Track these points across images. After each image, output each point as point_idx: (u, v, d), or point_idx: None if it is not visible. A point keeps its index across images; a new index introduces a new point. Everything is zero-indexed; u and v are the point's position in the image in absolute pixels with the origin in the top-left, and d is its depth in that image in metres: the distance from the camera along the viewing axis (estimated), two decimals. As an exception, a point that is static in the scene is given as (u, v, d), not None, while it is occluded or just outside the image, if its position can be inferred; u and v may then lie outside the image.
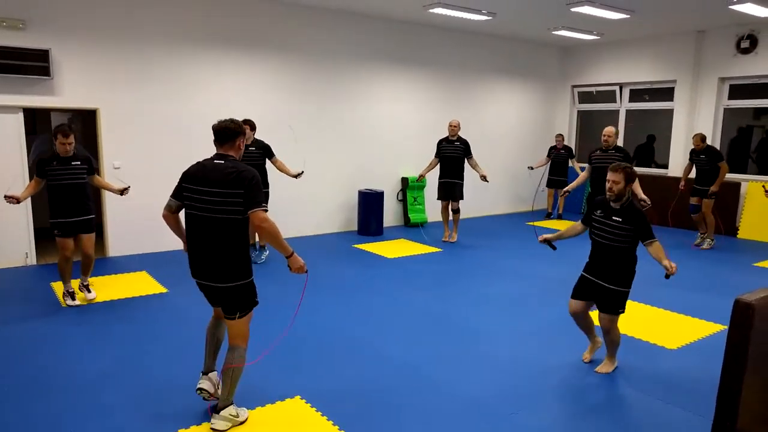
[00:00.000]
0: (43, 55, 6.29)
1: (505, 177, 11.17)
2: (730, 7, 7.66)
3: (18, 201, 4.94)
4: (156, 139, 7.28)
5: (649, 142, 11.03)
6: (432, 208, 9.87)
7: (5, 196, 4.90)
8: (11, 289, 5.82)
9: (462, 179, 8.20)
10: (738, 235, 9.12)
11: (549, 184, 10.75)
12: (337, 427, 3.26)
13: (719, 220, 8.71)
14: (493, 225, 10.05)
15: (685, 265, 7.29)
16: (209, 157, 3.21)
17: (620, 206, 3.82)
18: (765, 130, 9.79)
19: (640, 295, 5.83)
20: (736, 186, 9.16)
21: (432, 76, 9.89)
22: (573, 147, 11.65)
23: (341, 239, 8.54)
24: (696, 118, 9.76)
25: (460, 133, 8.22)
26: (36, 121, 8.18)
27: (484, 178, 8.08)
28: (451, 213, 8.32)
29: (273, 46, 8.07)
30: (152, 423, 3.27)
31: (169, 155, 7.37)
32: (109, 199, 6.93)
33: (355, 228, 9.15)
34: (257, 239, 6.72)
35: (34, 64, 6.26)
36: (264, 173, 7.01)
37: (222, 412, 3.18)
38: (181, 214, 3.35)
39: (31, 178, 6.22)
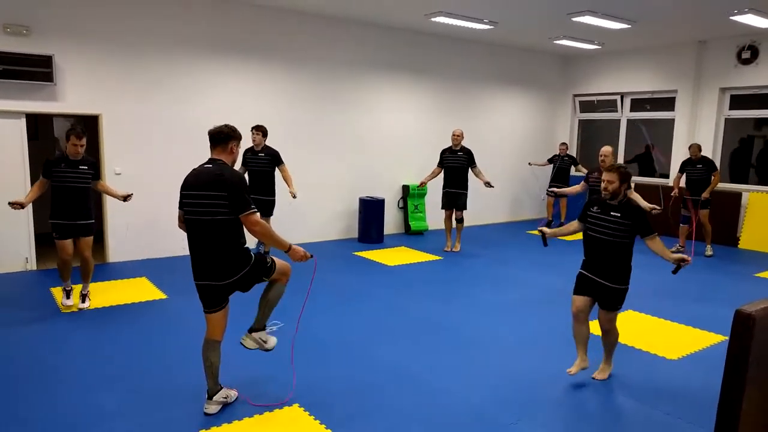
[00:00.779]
0: (46, 61, 6.32)
1: (505, 185, 11.17)
2: (731, 17, 7.69)
3: (23, 206, 4.95)
4: (157, 145, 7.30)
5: (648, 151, 11.04)
6: (432, 216, 9.87)
7: (10, 203, 4.90)
8: (11, 294, 5.82)
9: (466, 189, 8.17)
10: (739, 246, 9.10)
11: (551, 192, 10.74)
12: (335, 435, 3.24)
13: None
14: (494, 233, 10.04)
15: (685, 275, 7.26)
16: (203, 163, 3.32)
17: (618, 203, 3.85)
18: (766, 141, 9.80)
19: (640, 305, 5.82)
20: (737, 196, 9.15)
21: (433, 85, 9.91)
22: (574, 156, 11.66)
23: (342, 247, 8.53)
24: (697, 128, 9.77)
25: (464, 143, 8.20)
26: (38, 126, 8.21)
27: (488, 184, 8.01)
28: (454, 222, 8.28)
29: (275, 54, 8.11)
30: (152, 429, 3.25)
31: (171, 162, 7.39)
32: (110, 205, 6.94)
33: (356, 235, 9.15)
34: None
35: (37, 69, 6.29)
36: (272, 180, 7.03)
37: (254, 334, 3.57)
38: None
39: (33, 183, 6.25)
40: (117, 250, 7.19)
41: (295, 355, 4.33)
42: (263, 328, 3.57)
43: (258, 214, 3.21)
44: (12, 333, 4.70)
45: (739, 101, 9.47)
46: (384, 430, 3.32)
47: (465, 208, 8.22)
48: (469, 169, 8.13)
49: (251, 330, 3.59)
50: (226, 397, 3.49)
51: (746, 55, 9.03)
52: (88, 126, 7.56)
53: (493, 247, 8.74)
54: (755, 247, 8.93)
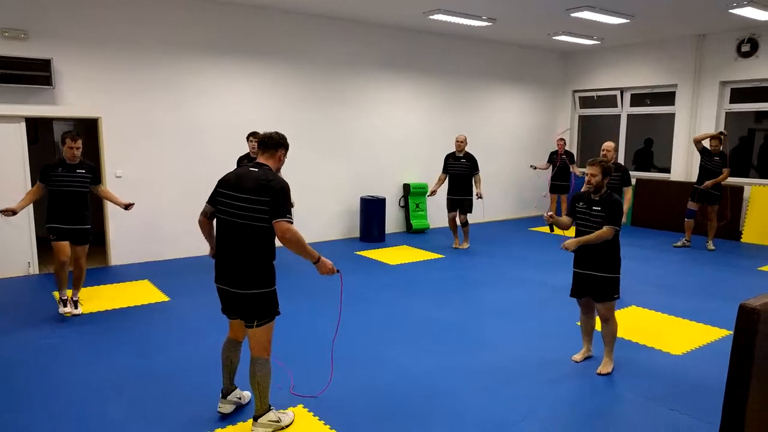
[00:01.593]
0: (44, 65, 6.32)
1: (506, 183, 11.16)
2: (730, 11, 7.67)
3: (14, 212, 4.88)
4: (158, 147, 7.30)
5: (647, 146, 11.03)
6: (433, 215, 9.87)
7: (0, 210, 4.82)
8: (14, 299, 5.82)
9: (470, 194, 8.21)
10: (742, 240, 9.08)
11: (552, 190, 10.72)
12: (339, 435, 3.24)
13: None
14: (495, 231, 10.03)
15: (688, 269, 7.26)
16: (245, 163, 3.24)
17: (599, 197, 4.03)
18: (766, 134, 9.77)
19: (643, 300, 5.81)
20: (740, 190, 9.13)
21: (433, 83, 9.90)
22: (575, 152, 11.64)
23: (343, 246, 8.53)
24: (697, 122, 9.75)
25: (467, 148, 8.19)
26: (38, 130, 8.21)
27: (478, 195, 8.12)
28: (460, 225, 8.34)
29: (274, 55, 8.10)
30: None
31: (171, 164, 7.39)
32: (112, 208, 6.92)
33: (358, 235, 9.14)
34: None
35: (36, 73, 6.29)
36: None
37: (261, 420, 3.19)
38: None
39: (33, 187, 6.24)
40: (119, 253, 7.19)
41: (297, 354, 4.33)
42: (268, 410, 3.22)
43: (293, 225, 3.05)
44: (15, 338, 4.70)
45: (739, 94, 9.44)
46: (388, 429, 3.32)
47: (470, 212, 8.29)
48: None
49: (256, 418, 3.21)
50: (240, 398, 3.48)
51: (746, 48, 9.01)
52: (88, 129, 7.57)
53: (495, 245, 8.73)
54: (758, 241, 8.91)
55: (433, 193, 8.38)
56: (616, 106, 11.06)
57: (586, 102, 11.69)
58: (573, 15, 7.96)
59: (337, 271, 3.25)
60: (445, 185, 8.37)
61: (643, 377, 4.06)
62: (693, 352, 4.54)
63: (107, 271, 6.90)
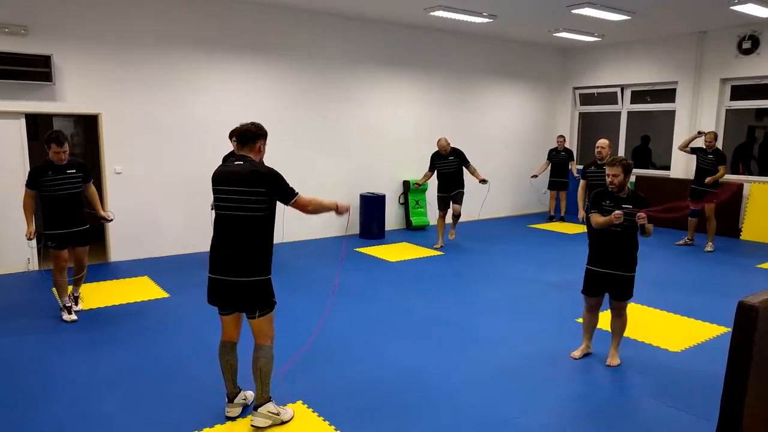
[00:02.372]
0: (44, 61, 6.31)
1: (506, 180, 11.15)
2: (731, 7, 7.65)
3: (36, 231, 4.90)
4: (157, 144, 7.29)
5: (644, 143, 11.02)
6: (433, 212, 9.86)
7: (28, 238, 4.88)
8: (13, 295, 5.83)
9: (462, 187, 8.05)
10: (741, 237, 9.08)
11: (551, 186, 10.74)
12: (339, 431, 3.24)
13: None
14: (495, 228, 10.03)
15: (687, 266, 7.27)
16: (231, 159, 3.25)
17: (626, 195, 4.03)
18: (767, 132, 9.77)
19: (641, 297, 5.81)
20: (739, 187, 9.12)
21: (433, 79, 9.89)
22: (575, 149, 11.64)
23: (340, 243, 8.53)
24: (698, 120, 9.74)
25: (463, 139, 8.11)
26: (38, 126, 8.20)
27: (483, 181, 7.95)
28: (452, 217, 8.20)
29: (274, 51, 8.09)
30: (155, 430, 3.26)
31: (171, 160, 7.39)
32: (112, 205, 6.92)
33: (357, 232, 9.14)
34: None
35: (35, 69, 6.28)
36: None
37: (261, 409, 3.22)
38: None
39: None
40: (118, 250, 7.19)
41: (295, 351, 4.34)
42: (269, 400, 3.26)
43: (302, 194, 3.22)
44: (15, 334, 4.71)
45: (740, 92, 9.43)
46: (388, 426, 3.33)
47: (460, 203, 8.08)
48: (464, 169, 8.04)
49: (256, 407, 3.25)
50: (245, 399, 3.49)
51: (747, 45, 8.99)
52: (87, 125, 7.57)
53: (494, 242, 8.73)
54: (757, 239, 8.91)
55: (418, 185, 8.35)
56: (617, 103, 11.05)
57: (586, 99, 11.68)
58: (573, 11, 7.94)
59: (348, 209, 3.40)
60: (435, 182, 8.27)
61: (642, 374, 4.07)
62: (691, 349, 4.54)
63: (106, 267, 6.91)
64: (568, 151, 10.56)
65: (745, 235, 9.06)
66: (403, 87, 9.55)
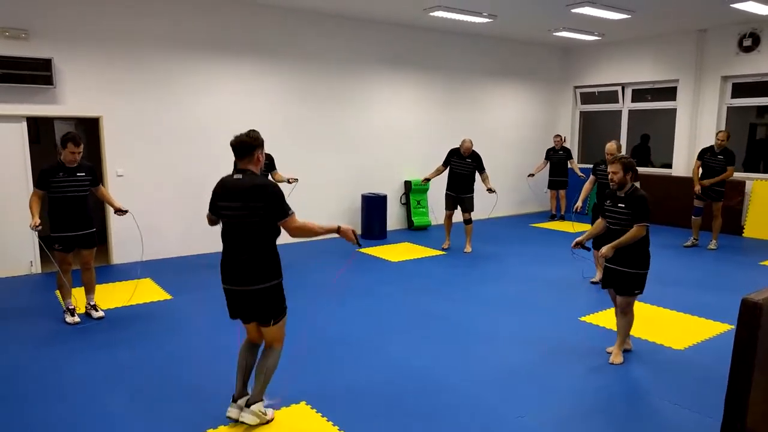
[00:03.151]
0: (45, 64, 6.32)
1: (507, 179, 11.14)
2: (731, 5, 7.64)
3: (40, 223, 4.75)
4: (159, 146, 7.30)
5: (644, 141, 11.01)
6: (435, 212, 9.86)
7: (33, 228, 4.69)
8: (16, 298, 5.84)
9: (471, 192, 7.90)
10: (743, 234, 9.07)
11: (550, 186, 10.73)
12: (342, 431, 3.25)
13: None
14: (496, 227, 10.03)
15: (690, 264, 7.26)
16: (230, 174, 3.24)
17: (624, 194, 4.07)
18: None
19: (645, 295, 5.78)
20: (741, 184, 9.11)
21: (434, 80, 9.89)
22: (576, 148, 11.63)
23: (345, 243, 8.48)
24: (699, 117, 9.73)
25: (454, 146, 7.92)
26: (39, 130, 8.22)
27: (490, 190, 7.77)
28: (464, 224, 8.01)
29: (275, 53, 8.09)
30: (158, 430, 3.26)
31: (172, 162, 7.40)
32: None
33: (359, 232, 9.14)
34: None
35: (36, 73, 6.29)
36: None
37: (253, 407, 3.25)
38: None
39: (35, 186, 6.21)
40: (121, 252, 7.20)
41: (300, 352, 4.34)
42: (260, 400, 3.30)
43: (295, 215, 3.15)
44: (19, 337, 4.71)
45: (740, 89, 9.42)
46: (391, 425, 3.32)
47: (472, 210, 7.97)
48: (477, 173, 7.86)
49: (248, 404, 3.29)
50: (264, 413, 3.38)
51: (747, 42, 8.98)
52: (88, 128, 7.58)
53: (496, 241, 8.72)
54: (759, 236, 8.89)
55: (426, 180, 8.09)
56: (617, 102, 11.05)
57: (587, 98, 11.68)
58: (573, 11, 7.94)
59: (358, 243, 3.33)
60: (444, 178, 8.12)
61: (646, 371, 4.06)
62: (695, 347, 4.54)
63: (109, 269, 6.92)
64: (566, 150, 10.54)
65: (747, 233, 9.05)
66: (403, 87, 9.55)
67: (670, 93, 10.22)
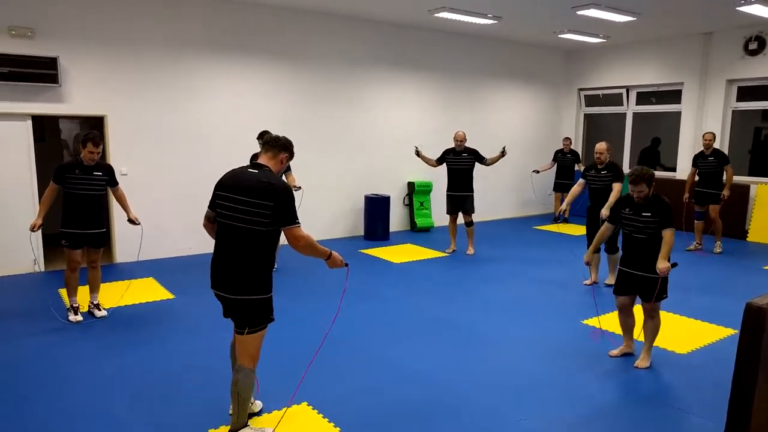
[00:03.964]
0: (51, 63, 6.34)
1: (511, 181, 11.14)
2: (737, 8, 7.62)
3: (42, 224, 4.85)
4: (163, 146, 7.32)
5: (654, 145, 10.98)
6: (438, 213, 9.84)
7: (31, 229, 4.83)
8: (20, 296, 5.86)
9: (471, 191, 7.79)
10: (747, 238, 9.03)
11: (556, 188, 10.71)
12: (344, 433, 3.24)
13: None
14: (499, 229, 10.01)
15: (694, 268, 7.23)
16: (243, 165, 3.09)
17: (647, 202, 4.02)
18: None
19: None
20: (746, 188, 9.08)
21: (438, 81, 9.89)
22: (580, 151, 11.61)
23: (348, 244, 8.53)
24: (704, 121, 9.69)
25: (470, 140, 7.84)
26: (45, 128, 8.24)
27: (503, 152, 7.64)
28: (465, 226, 7.91)
29: (279, 53, 8.10)
30: (159, 429, 3.26)
31: (177, 162, 7.41)
32: (117, 206, 6.94)
33: (362, 233, 9.14)
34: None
35: (42, 71, 6.31)
36: None
37: None
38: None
39: (39, 184, 6.24)
40: (124, 251, 7.21)
41: (301, 353, 4.34)
42: (245, 425, 3.06)
43: (301, 227, 2.97)
44: (22, 336, 4.72)
45: (746, 93, 9.38)
46: (392, 427, 3.32)
47: (473, 211, 7.86)
48: (475, 167, 7.77)
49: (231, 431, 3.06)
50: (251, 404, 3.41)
51: (753, 46, 8.95)
52: (93, 127, 7.60)
53: (499, 243, 8.71)
54: (764, 240, 8.86)
55: (417, 153, 7.90)
56: (622, 105, 11.02)
57: (591, 100, 11.65)
58: (579, 13, 7.93)
59: (346, 264, 3.20)
60: (444, 182, 8.05)
61: (649, 376, 4.05)
62: (698, 351, 4.52)
63: (112, 268, 6.93)
64: (575, 154, 10.53)
65: (751, 237, 9.01)
66: (407, 88, 9.55)
67: (674, 96, 10.19)
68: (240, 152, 6.81)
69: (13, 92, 6.30)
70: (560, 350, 4.49)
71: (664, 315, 5.37)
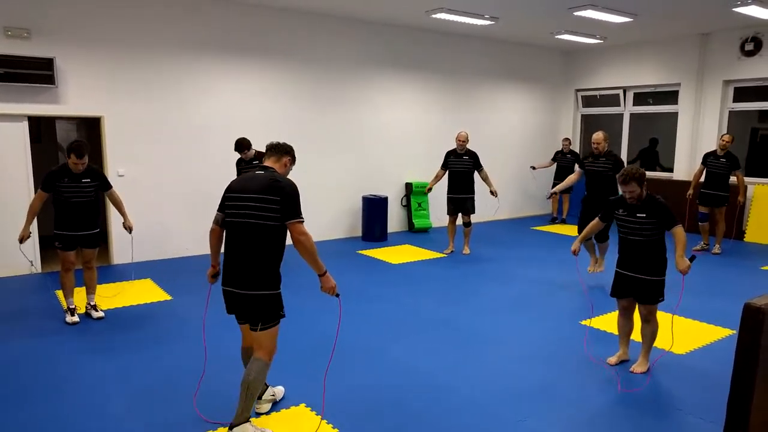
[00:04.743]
0: (47, 64, 6.32)
1: (509, 182, 11.14)
2: (733, 9, 7.64)
3: (30, 234, 4.88)
4: (160, 147, 7.30)
5: (652, 145, 11.00)
6: (436, 214, 9.85)
7: (20, 241, 4.86)
8: (17, 298, 5.83)
9: (472, 193, 7.80)
10: (745, 239, 9.05)
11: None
12: (342, 434, 3.24)
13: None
14: (497, 230, 10.02)
15: (692, 269, 7.20)
16: (254, 168, 3.25)
17: (641, 203, 3.95)
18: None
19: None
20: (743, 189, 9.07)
21: (435, 82, 9.89)
22: (577, 151, 11.61)
23: (345, 245, 8.53)
24: (701, 122, 9.72)
25: (468, 146, 7.83)
26: (41, 129, 8.22)
27: (493, 193, 7.75)
28: (463, 226, 7.95)
29: (277, 54, 8.10)
30: (162, 430, 3.25)
31: (173, 163, 7.40)
32: (114, 208, 6.92)
33: (360, 234, 9.13)
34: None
35: (38, 72, 6.29)
36: None
37: (236, 429, 3.05)
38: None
39: (36, 186, 6.22)
40: (121, 252, 7.19)
41: (300, 353, 4.33)
42: (247, 420, 3.08)
43: (305, 226, 3.09)
44: (18, 337, 4.70)
45: (743, 93, 9.41)
46: (392, 429, 3.31)
47: (473, 212, 7.90)
48: (475, 172, 7.80)
49: (232, 426, 3.07)
50: (273, 395, 3.50)
51: (749, 47, 8.98)
52: (90, 128, 7.58)
53: (497, 244, 8.71)
54: (761, 240, 8.88)
55: (430, 190, 8.01)
56: (619, 105, 11.04)
57: (588, 101, 11.67)
58: (576, 14, 7.94)
59: (337, 295, 3.21)
60: (445, 183, 8.05)
61: (647, 377, 4.05)
62: (697, 352, 4.53)
63: (109, 269, 6.91)
64: (575, 154, 10.54)
65: (749, 237, 9.03)
66: (405, 89, 9.55)
67: (671, 97, 10.21)
68: (237, 154, 6.79)
69: (9, 93, 6.28)
70: (558, 350, 4.49)
71: (661, 315, 5.39)
